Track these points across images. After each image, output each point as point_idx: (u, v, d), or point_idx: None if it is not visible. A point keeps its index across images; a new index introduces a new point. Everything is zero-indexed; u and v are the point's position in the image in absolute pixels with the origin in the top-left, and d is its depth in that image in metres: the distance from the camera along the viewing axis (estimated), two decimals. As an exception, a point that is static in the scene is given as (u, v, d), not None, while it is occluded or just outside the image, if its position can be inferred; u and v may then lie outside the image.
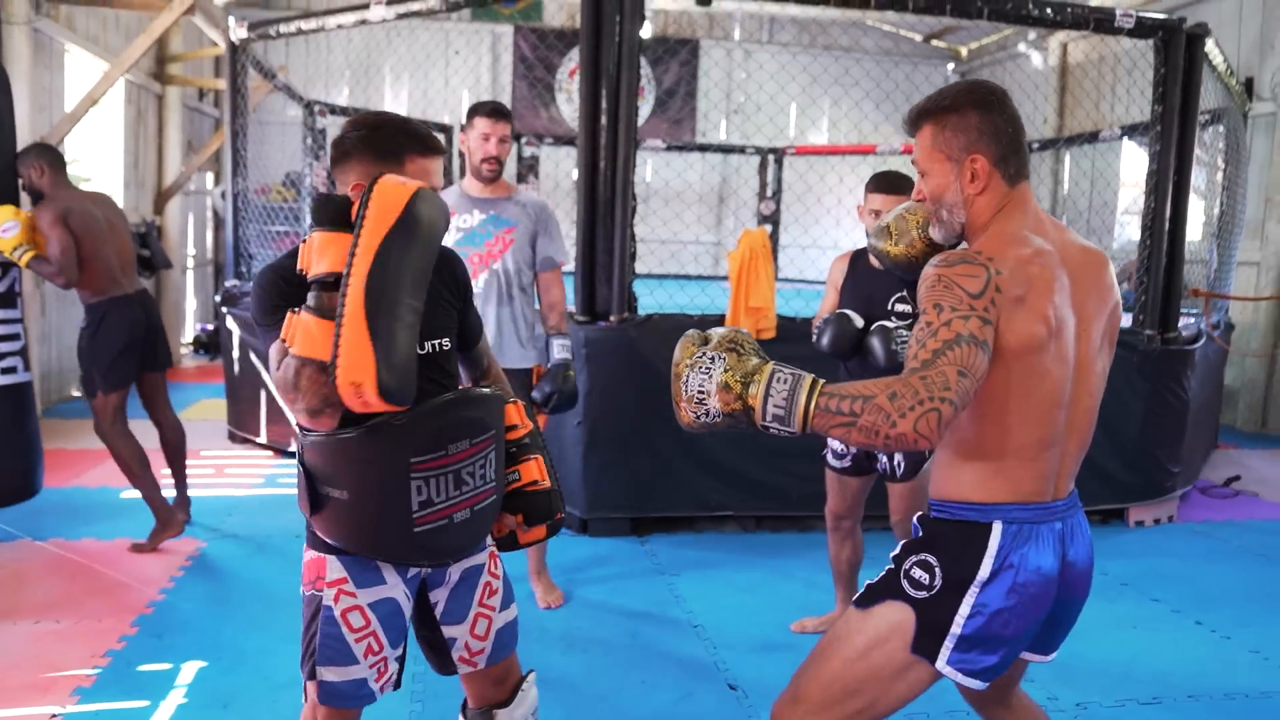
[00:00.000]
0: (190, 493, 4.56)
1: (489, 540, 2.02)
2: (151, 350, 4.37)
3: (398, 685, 1.94)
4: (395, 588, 1.87)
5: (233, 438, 6.39)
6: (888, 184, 3.25)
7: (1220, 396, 7.19)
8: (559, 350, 3.55)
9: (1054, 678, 3.28)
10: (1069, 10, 4.99)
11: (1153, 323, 5.11)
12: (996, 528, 1.72)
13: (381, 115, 1.88)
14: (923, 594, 1.73)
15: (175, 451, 4.51)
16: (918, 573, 1.75)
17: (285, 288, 1.72)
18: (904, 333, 2.98)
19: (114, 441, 4.22)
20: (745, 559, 4.43)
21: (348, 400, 1.57)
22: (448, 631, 1.97)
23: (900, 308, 3.22)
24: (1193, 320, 5.78)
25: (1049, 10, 4.92)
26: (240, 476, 5.54)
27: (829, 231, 10.40)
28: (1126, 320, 5.40)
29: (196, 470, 5.53)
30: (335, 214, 1.61)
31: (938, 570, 1.73)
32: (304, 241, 1.64)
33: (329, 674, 1.83)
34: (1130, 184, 10.17)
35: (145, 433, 4.43)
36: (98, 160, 8.82)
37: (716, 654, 3.43)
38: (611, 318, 4.52)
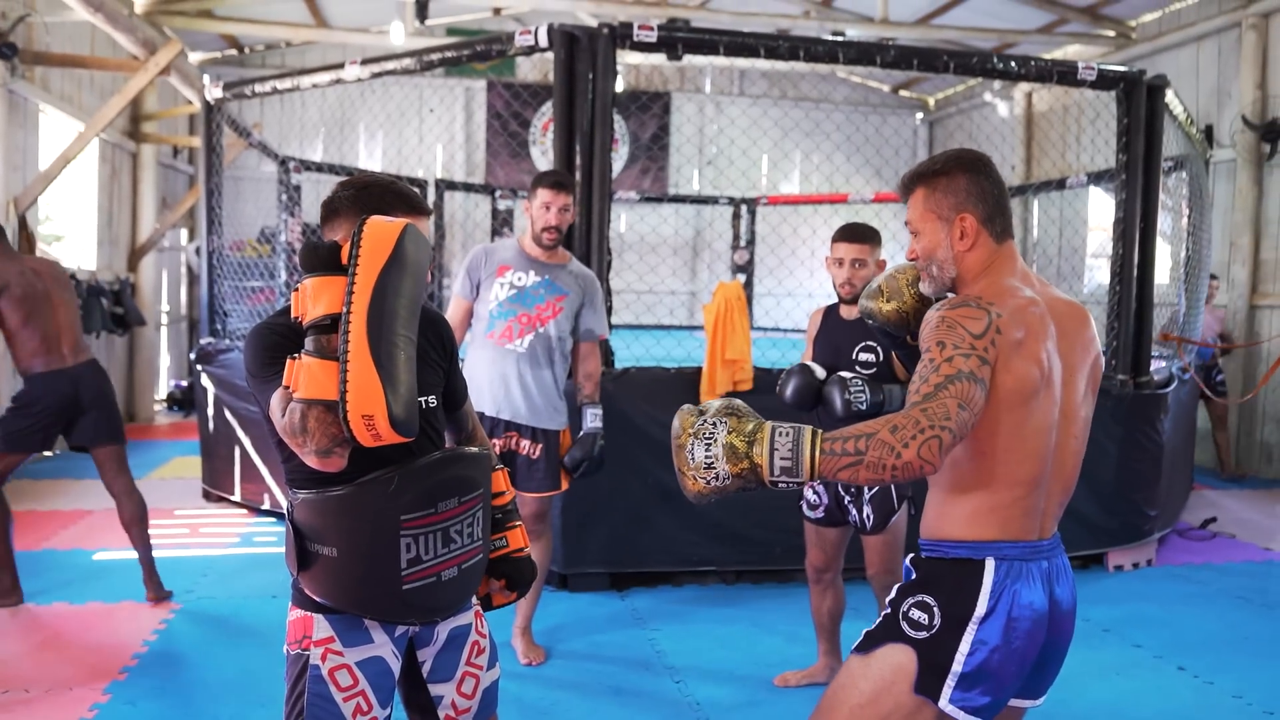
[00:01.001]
0: (164, 553, 4.46)
1: (474, 599, 2.02)
2: (95, 423, 4.23)
3: None
4: (383, 647, 1.86)
5: (207, 496, 6.30)
6: (853, 234, 3.32)
7: (1194, 439, 7.25)
8: (592, 419, 3.69)
9: (1039, 727, 3.27)
10: (1032, 63, 5.11)
11: (1124, 367, 5.16)
12: (989, 564, 1.77)
13: (371, 176, 1.94)
14: (923, 634, 1.76)
15: (131, 526, 4.31)
16: (916, 614, 1.78)
17: (280, 340, 1.75)
18: (859, 383, 3.01)
19: None
20: (726, 612, 4.40)
21: (359, 434, 1.59)
22: (435, 690, 1.95)
23: (863, 356, 3.28)
24: (1164, 364, 5.85)
25: (1013, 63, 5.04)
26: (215, 536, 5.46)
27: (803, 281, 10.49)
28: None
29: (171, 530, 5.47)
30: (326, 259, 1.65)
31: (936, 609, 1.77)
32: (295, 290, 1.67)
33: None
34: (1098, 228, 10.34)
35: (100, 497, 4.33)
36: (72, 218, 8.80)
37: (700, 710, 3.39)
38: (589, 371, 4.52)
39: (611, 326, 4.67)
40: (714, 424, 1.66)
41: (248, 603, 4.35)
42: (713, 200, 12.24)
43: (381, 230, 1.64)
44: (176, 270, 11.22)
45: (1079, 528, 5.09)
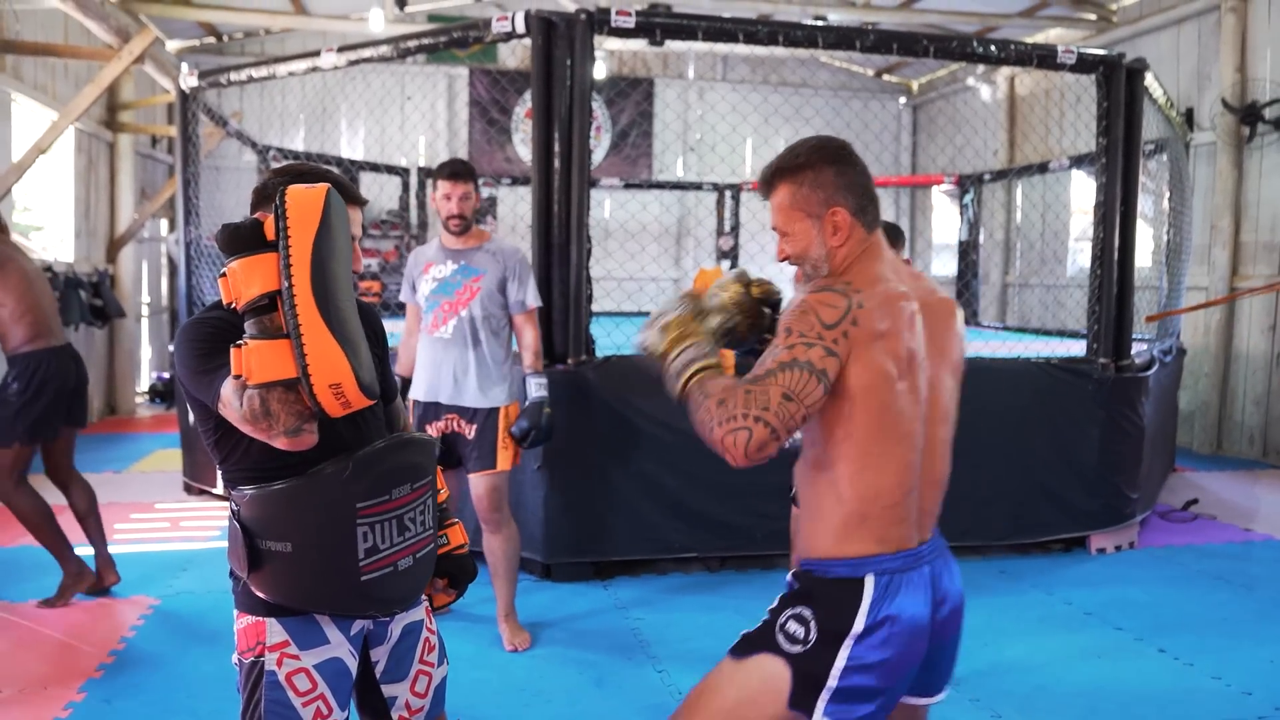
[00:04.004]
0: (143, 548, 4.43)
1: (423, 596, 1.98)
2: (78, 404, 4.19)
3: None
4: (340, 646, 1.82)
5: (188, 489, 6.26)
6: None
7: (1175, 420, 7.28)
8: (535, 389, 3.76)
9: (1020, 711, 3.28)
10: (1012, 47, 5.09)
11: (1106, 351, 5.17)
12: (869, 581, 1.71)
13: (305, 164, 1.90)
14: (798, 648, 1.72)
15: (87, 515, 4.26)
16: (793, 626, 1.73)
17: (215, 332, 1.70)
18: None
19: (17, 499, 4.04)
20: (710, 600, 4.39)
21: (327, 405, 1.54)
22: (388, 690, 1.92)
23: None
24: (1145, 347, 5.86)
25: (993, 47, 5.02)
26: (195, 530, 5.42)
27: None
28: (1080, 348, 5.46)
29: (151, 524, 5.43)
30: (249, 238, 1.57)
31: (812, 624, 1.72)
32: (221, 277, 1.58)
33: None
34: (1080, 212, 10.34)
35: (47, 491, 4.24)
36: (48, 209, 8.70)
37: (681, 698, 3.38)
38: (569, 360, 4.50)
39: (594, 314, 4.65)
40: (679, 307, 1.85)
41: (228, 597, 4.28)
42: (696, 186, 12.20)
43: (305, 197, 1.57)
44: (157, 261, 11.12)
45: (1060, 511, 5.11)
